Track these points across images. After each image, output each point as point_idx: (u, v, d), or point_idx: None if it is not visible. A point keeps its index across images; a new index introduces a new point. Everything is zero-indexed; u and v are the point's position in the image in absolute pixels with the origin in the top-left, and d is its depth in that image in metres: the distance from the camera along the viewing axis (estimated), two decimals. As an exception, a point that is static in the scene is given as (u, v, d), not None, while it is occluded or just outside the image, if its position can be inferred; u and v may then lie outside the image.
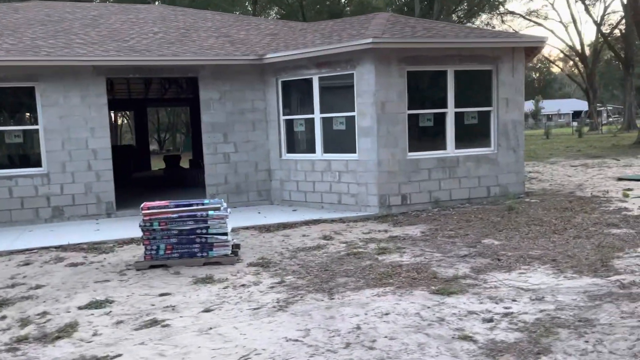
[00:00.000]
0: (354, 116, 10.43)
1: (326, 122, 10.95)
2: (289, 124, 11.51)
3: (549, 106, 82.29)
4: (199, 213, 6.92)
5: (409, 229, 8.82)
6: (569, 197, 10.83)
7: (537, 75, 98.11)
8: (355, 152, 10.48)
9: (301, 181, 11.27)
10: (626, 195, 10.48)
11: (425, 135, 10.75)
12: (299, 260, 7.06)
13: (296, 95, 11.40)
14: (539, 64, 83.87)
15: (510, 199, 10.71)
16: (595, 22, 43.68)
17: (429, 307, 4.77)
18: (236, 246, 7.73)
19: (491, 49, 10.68)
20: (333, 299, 5.18)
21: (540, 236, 7.73)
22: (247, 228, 9.45)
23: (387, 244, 7.78)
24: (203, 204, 7.16)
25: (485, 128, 11.01)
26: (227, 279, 6.28)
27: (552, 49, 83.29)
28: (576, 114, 76.55)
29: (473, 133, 11.04)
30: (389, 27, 10.79)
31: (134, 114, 23.65)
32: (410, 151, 10.44)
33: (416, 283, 5.63)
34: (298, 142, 11.50)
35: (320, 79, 10.85)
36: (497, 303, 4.82)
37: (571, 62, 61.99)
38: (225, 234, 6.98)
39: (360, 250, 7.46)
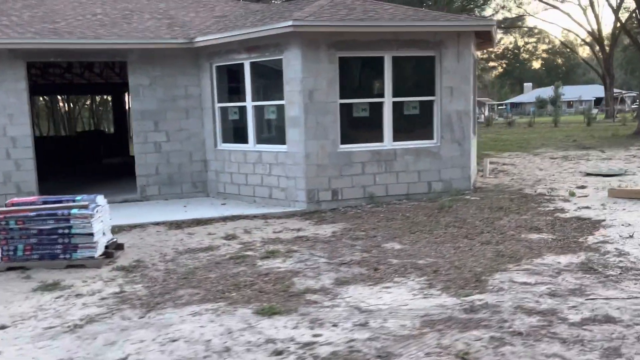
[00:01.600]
0: (284, 105, 9.77)
1: (258, 111, 10.31)
2: (224, 111, 10.89)
3: (571, 92, 79.80)
4: (59, 211, 6.39)
5: (324, 228, 8.20)
6: (514, 194, 10.03)
7: (561, 60, 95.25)
8: (285, 143, 9.83)
9: (234, 173, 10.68)
10: (572, 194, 9.64)
11: (360, 127, 10.04)
12: (175, 264, 6.50)
13: (230, 82, 10.75)
14: (563, 49, 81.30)
15: (452, 195, 9.97)
16: (611, 6, 41.79)
17: (230, 333, 4.16)
18: (119, 246, 7.22)
19: (433, 33, 9.85)
20: (143, 317, 4.60)
21: (448, 240, 7.03)
22: (157, 224, 8.92)
23: (284, 245, 7.17)
24: (74, 201, 6.64)
25: (427, 119, 10.23)
26: (73, 285, 5.76)
27: (568, 33, 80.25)
28: (598, 101, 74.09)
29: (414, 124, 10.29)
30: (326, 9, 10.04)
31: (112, 99, 23.27)
32: (342, 143, 9.74)
33: (258, 298, 5.02)
34: (233, 131, 10.88)
35: (252, 64, 10.18)
36: (312, 329, 4.18)
37: (588, 47, 59.75)
38: (91, 234, 6.44)
39: (249, 253, 6.86)
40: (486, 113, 62.40)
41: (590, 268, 5.52)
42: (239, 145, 10.60)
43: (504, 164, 15.40)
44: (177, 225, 8.81)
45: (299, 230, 8.17)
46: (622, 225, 7.31)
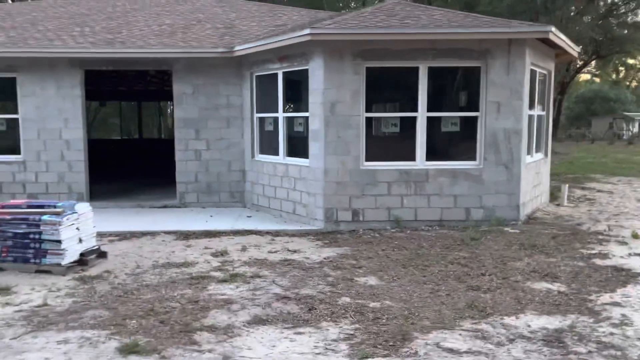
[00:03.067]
0: (308, 117, 9.27)
1: (289, 123, 9.92)
2: (262, 122, 10.65)
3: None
4: (31, 217, 6.53)
5: (324, 252, 7.58)
6: (566, 230, 8.52)
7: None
8: (308, 157, 9.32)
9: (266, 185, 10.38)
10: (635, 236, 7.91)
11: (389, 144, 9.21)
12: (135, 279, 6.33)
13: (267, 92, 10.46)
14: None
15: (492, 225, 8.75)
16: None
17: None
18: (102, 254, 7.24)
19: (477, 42, 8.72)
20: (15, 339, 4.41)
21: (433, 281, 6.07)
22: (169, 233, 8.88)
23: (258, 269, 6.70)
24: (55, 207, 6.77)
25: (468, 138, 9.09)
26: (18, 292, 5.80)
27: None
28: None
29: (452, 143, 9.22)
30: (363, 16, 9.37)
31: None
32: (367, 160, 8.99)
33: (148, 330, 4.60)
34: (267, 142, 10.59)
35: (284, 74, 9.82)
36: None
37: None
38: (59, 241, 6.49)
39: (215, 274, 6.48)
40: (636, 129, 55.86)
41: (558, 339, 4.35)
42: (271, 157, 10.28)
43: (599, 191, 13.37)
44: (186, 236, 8.69)
45: (295, 252, 7.62)
46: (661, 283, 5.79)
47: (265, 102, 10.44)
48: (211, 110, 10.91)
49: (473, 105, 9.01)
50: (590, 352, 4.10)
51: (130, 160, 16.84)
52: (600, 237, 8.03)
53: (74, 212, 6.74)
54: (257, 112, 10.66)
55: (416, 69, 8.86)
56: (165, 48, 10.60)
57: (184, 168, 11.02)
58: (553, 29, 8.62)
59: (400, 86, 9.28)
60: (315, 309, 5.19)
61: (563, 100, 49.10)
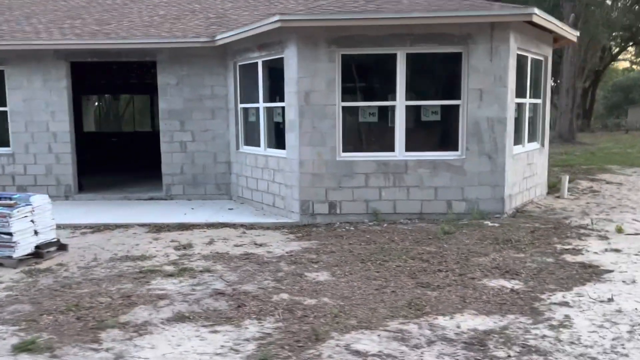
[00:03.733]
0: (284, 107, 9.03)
1: (269, 113, 9.69)
2: (245, 112, 10.45)
3: None
4: (-16, 209, 6.50)
5: (290, 246, 7.35)
6: (549, 224, 8.05)
7: None
8: (285, 148, 9.08)
9: (249, 177, 10.19)
10: (619, 231, 7.38)
11: (367, 134, 8.89)
12: (85, 271, 6.24)
13: (249, 82, 10.24)
14: None
15: (474, 219, 8.36)
16: None
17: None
18: (62, 247, 7.18)
19: (457, 26, 8.29)
20: None
21: (384, 277, 5.78)
22: (143, 225, 8.79)
23: (213, 263, 6.53)
24: (11, 199, 6.74)
25: (449, 127, 8.69)
26: (-45, 285, 5.78)
27: None
28: None
29: (433, 133, 8.84)
30: (348, 3, 9.03)
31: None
32: (344, 151, 8.70)
33: (59, 327, 4.47)
34: (250, 133, 10.39)
35: (264, 63, 9.59)
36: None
37: None
38: (10, 233, 6.45)
39: (167, 268, 6.32)
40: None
41: (481, 342, 4.01)
42: (254, 148, 10.08)
43: (608, 183, 12.70)
44: (159, 228, 8.58)
45: (261, 246, 7.42)
46: (625, 281, 5.34)
47: (248, 92, 10.24)
48: (196, 101, 10.77)
49: (454, 93, 8.59)
50: (509, 357, 3.76)
51: (127, 152, 16.90)
52: (583, 231, 7.55)
53: (27, 205, 6.69)
54: (240, 103, 10.47)
55: (394, 56, 8.50)
56: (147, 39, 10.49)
57: (169, 160, 10.93)
58: (537, 11, 8.12)
59: (377, 74, 8.93)
60: (245, 305, 4.97)
61: (597, 88, 47.37)
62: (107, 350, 3.99)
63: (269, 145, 9.71)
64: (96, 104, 23.32)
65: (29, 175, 10.99)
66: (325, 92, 8.52)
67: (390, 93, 8.61)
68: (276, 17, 8.18)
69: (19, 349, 3.96)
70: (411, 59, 8.51)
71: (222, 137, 10.83)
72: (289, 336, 4.25)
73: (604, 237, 7.17)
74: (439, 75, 8.89)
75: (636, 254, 6.35)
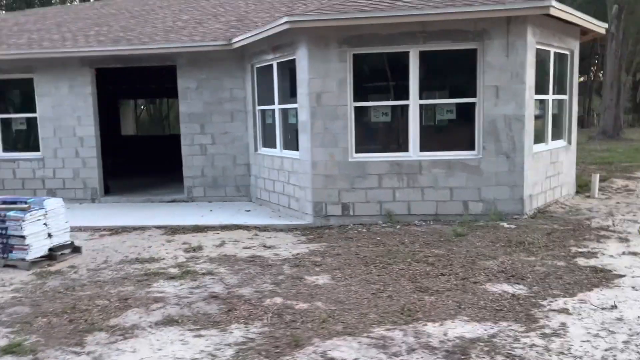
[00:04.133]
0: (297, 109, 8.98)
1: (284, 115, 9.67)
2: (263, 115, 10.46)
3: None
4: (0, 213, 6.72)
5: (298, 248, 7.31)
6: (568, 225, 7.70)
7: None
8: (298, 150, 9.04)
9: (267, 179, 10.20)
10: (641, 233, 7.00)
11: (380, 134, 8.74)
12: (94, 273, 6.38)
13: (266, 84, 10.25)
14: None
15: (490, 220, 8.11)
16: None
17: None
18: (76, 249, 7.36)
19: (472, 22, 8.05)
20: None
21: (384, 281, 5.66)
22: (159, 227, 8.92)
23: (217, 266, 6.55)
24: (25, 203, 6.94)
25: (465, 126, 8.45)
26: (-32, 286, 5.99)
27: None
28: None
29: (448, 132, 8.60)
30: (359, 1, 8.92)
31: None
32: (357, 152, 8.59)
33: (50, 330, 4.55)
34: (268, 135, 10.39)
35: (278, 65, 9.58)
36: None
37: None
38: (23, 236, 6.64)
39: (172, 271, 6.38)
40: None
41: (464, 351, 3.85)
42: (271, 150, 10.09)
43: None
44: (174, 230, 8.68)
45: (269, 248, 7.40)
46: (634, 287, 5.04)
47: (265, 94, 10.25)
48: (215, 104, 10.87)
49: (470, 90, 8.35)
50: (486, 367, 3.60)
51: (161, 154, 17.22)
52: (603, 232, 7.19)
53: (41, 208, 6.88)
54: (258, 105, 10.49)
55: (406, 54, 8.33)
56: (166, 44, 10.65)
57: (190, 163, 11.07)
58: (554, 3, 7.78)
59: (390, 73, 8.77)
60: (236, 310, 4.95)
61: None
62: (87, 353, 4.04)
63: (285, 147, 9.69)
64: (133, 108, 23.96)
65: (57, 178, 11.34)
66: (337, 92, 8.43)
67: (404, 92, 8.44)
68: (284, 19, 8.15)
69: (3, 351, 4.06)
70: (424, 56, 8.33)
71: (241, 140, 10.89)
72: (271, 341, 4.20)
73: (624, 240, 6.81)
74: (453, 72, 8.65)
75: (656, 258, 6.02)
